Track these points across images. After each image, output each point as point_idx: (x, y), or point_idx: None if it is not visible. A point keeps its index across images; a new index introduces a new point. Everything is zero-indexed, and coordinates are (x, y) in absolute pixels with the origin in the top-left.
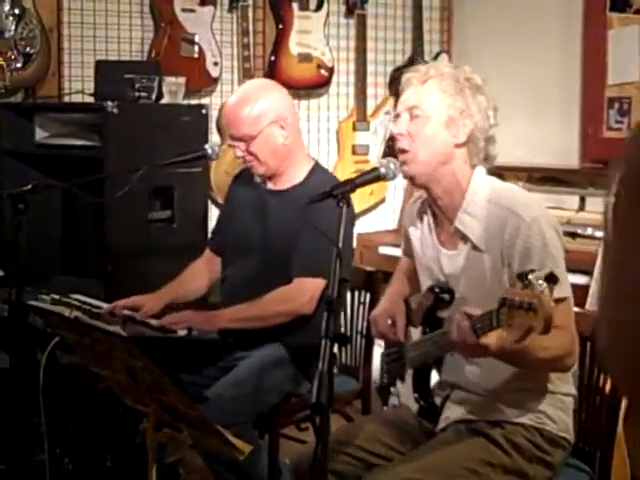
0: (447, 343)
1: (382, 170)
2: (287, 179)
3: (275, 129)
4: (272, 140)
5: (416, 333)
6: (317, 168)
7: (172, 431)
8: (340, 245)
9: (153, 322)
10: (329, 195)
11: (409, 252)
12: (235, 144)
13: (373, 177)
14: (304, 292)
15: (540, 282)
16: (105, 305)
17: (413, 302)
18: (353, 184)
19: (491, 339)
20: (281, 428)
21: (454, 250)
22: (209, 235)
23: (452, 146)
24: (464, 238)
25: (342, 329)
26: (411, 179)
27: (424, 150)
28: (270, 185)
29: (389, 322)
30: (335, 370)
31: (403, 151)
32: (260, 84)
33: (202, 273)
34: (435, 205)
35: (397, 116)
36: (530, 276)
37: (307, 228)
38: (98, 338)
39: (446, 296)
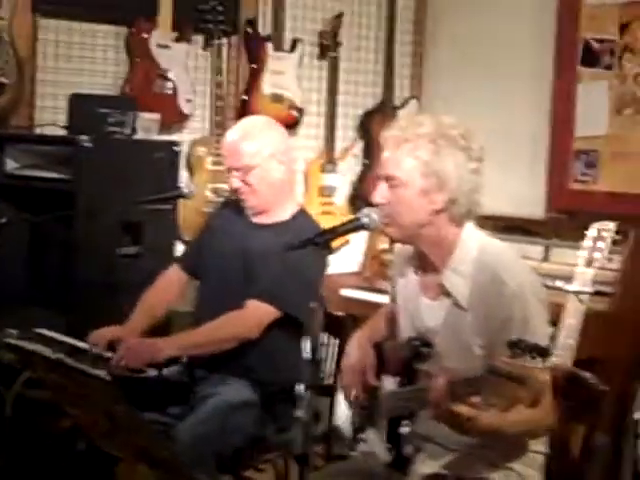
0: (426, 400)
1: (364, 220)
2: (273, 215)
3: (274, 163)
4: (270, 173)
5: (390, 381)
6: (303, 212)
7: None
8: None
9: (107, 355)
10: (311, 242)
11: (394, 297)
12: (233, 175)
13: (355, 227)
14: (253, 316)
15: (533, 355)
16: (85, 345)
17: (388, 348)
18: (335, 232)
19: (465, 410)
20: (244, 470)
21: (436, 301)
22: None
23: (431, 212)
24: (448, 293)
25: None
26: (394, 240)
27: (402, 217)
28: (255, 219)
29: (359, 372)
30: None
31: (384, 216)
32: (262, 120)
33: (163, 296)
34: (422, 256)
35: (379, 179)
36: (522, 346)
37: (277, 259)
38: (80, 380)
39: (425, 350)
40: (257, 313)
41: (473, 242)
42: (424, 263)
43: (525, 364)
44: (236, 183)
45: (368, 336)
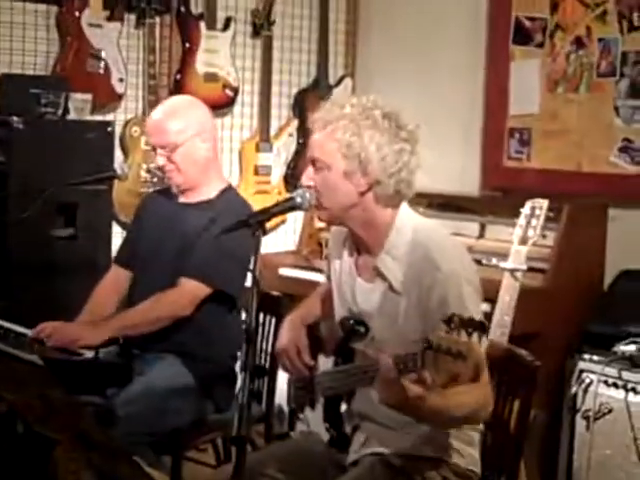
0: (363, 378)
1: (298, 200)
2: (199, 193)
3: (198, 141)
4: (194, 151)
5: (326, 361)
6: (230, 189)
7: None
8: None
9: (26, 332)
10: (245, 224)
11: (329, 277)
12: (158, 153)
13: (289, 206)
14: (186, 294)
15: (469, 330)
16: (21, 329)
17: (323, 328)
18: (269, 213)
19: (411, 384)
20: (185, 451)
21: (370, 283)
22: (113, 252)
23: (356, 194)
24: (383, 276)
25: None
26: (324, 222)
27: (328, 199)
28: (182, 198)
29: (294, 353)
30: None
31: (314, 199)
32: (187, 99)
33: (109, 295)
34: (356, 238)
35: (308, 162)
36: (456, 320)
37: (206, 237)
38: (13, 365)
39: (361, 328)
40: (189, 290)
41: (407, 225)
42: (359, 244)
43: (460, 338)
44: (161, 161)
45: (302, 317)
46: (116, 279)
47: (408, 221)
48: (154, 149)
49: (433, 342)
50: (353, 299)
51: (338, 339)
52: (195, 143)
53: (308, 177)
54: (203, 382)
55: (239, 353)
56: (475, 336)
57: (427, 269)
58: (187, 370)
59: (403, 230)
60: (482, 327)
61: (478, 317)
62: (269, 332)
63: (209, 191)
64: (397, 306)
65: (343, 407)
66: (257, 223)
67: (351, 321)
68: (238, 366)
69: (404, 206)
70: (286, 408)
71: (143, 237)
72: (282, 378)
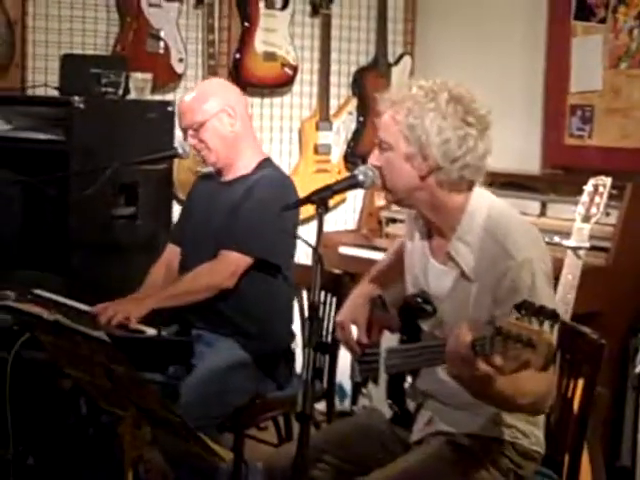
0: (429, 359)
1: (360, 177)
2: (236, 170)
3: (224, 117)
4: (220, 127)
5: (390, 337)
6: (267, 162)
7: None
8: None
9: (86, 308)
10: (308, 201)
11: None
12: (188, 134)
13: (351, 184)
14: (227, 265)
15: (541, 318)
16: (82, 306)
17: (390, 303)
18: (331, 190)
19: (482, 363)
20: (246, 430)
21: (443, 265)
22: None
23: (417, 178)
24: (455, 262)
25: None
26: (391, 203)
27: (390, 181)
28: (223, 177)
29: (349, 329)
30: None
31: (381, 180)
32: (215, 81)
33: (163, 273)
34: (427, 220)
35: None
36: (529, 309)
37: (244, 209)
38: (79, 342)
39: (429, 307)
40: (230, 261)
41: (480, 209)
42: (431, 227)
43: (531, 325)
44: (191, 141)
45: (368, 292)
46: (170, 257)
47: (481, 206)
48: (185, 131)
49: (503, 328)
50: (425, 280)
51: (404, 316)
52: (222, 120)
53: (374, 157)
54: (260, 360)
55: (294, 329)
56: (546, 325)
57: (500, 256)
58: (244, 350)
59: (476, 215)
60: (554, 316)
61: (550, 306)
62: (330, 310)
63: (246, 166)
64: (468, 292)
65: (407, 384)
66: (319, 200)
67: (418, 299)
68: (295, 343)
69: (477, 190)
70: (348, 385)
71: (191, 216)
72: (344, 355)
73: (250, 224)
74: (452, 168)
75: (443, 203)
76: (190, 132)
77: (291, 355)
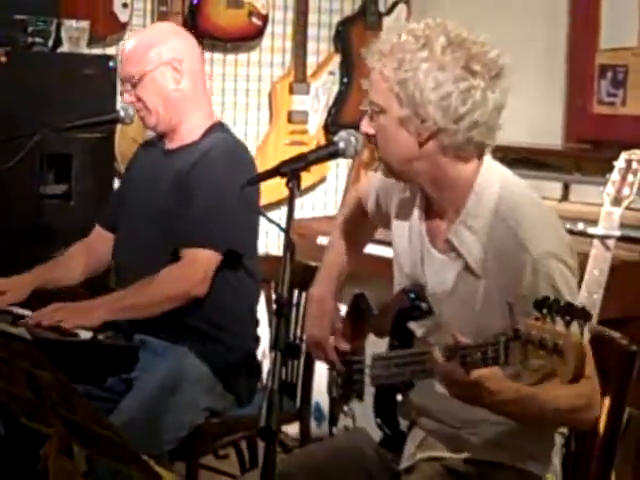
0: (423, 369)
1: (341, 145)
2: (181, 137)
3: (167, 71)
4: (161, 84)
5: (378, 343)
6: (218, 127)
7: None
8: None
9: (26, 313)
10: (275, 173)
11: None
12: (124, 88)
13: (330, 152)
14: (196, 269)
15: (567, 318)
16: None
17: (375, 301)
18: (306, 161)
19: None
20: (201, 456)
21: (443, 255)
22: None
23: (416, 144)
24: (457, 252)
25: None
26: (390, 177)
27: (384, 151)
28: (166, 145)
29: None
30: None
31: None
32: (166, 26)
33: (81, 255)
34: (429, 198)
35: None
36: (553, 307)
37: (197, 193)
38: None
39: (424, 305)
40: (197, 262)
41: (491, 187)
42: (431, 206)
43: (555, 327)
44: (127, 98)
45: (330, 290)
46: (94, 244)
47: (492, 183)
48: (122, 84)
49: (522, 331)
50: (422, 271)
51: (394, 316)
52: (165, 74)
53: (365, 124)
54: (219, 371)
55: (260, 333)
56: (575, 325)
57: (513, 248)
58: (199, 359)
59: (484, 195)
60: (584, 314)
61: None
62: (303, 309)
63: (191, 133)
64: (475, 290)
65: (399, 397)
66: (291, 172)
67: (411, 294)
68: (263, 353)
69: (487, 161)
70: (326, 405)
71: (128, 193)
72: (321, 368)
73: (208, 210)
74: (457, 129)
75: (447, 175)
76: (127, 87)
77: (256, 364)
